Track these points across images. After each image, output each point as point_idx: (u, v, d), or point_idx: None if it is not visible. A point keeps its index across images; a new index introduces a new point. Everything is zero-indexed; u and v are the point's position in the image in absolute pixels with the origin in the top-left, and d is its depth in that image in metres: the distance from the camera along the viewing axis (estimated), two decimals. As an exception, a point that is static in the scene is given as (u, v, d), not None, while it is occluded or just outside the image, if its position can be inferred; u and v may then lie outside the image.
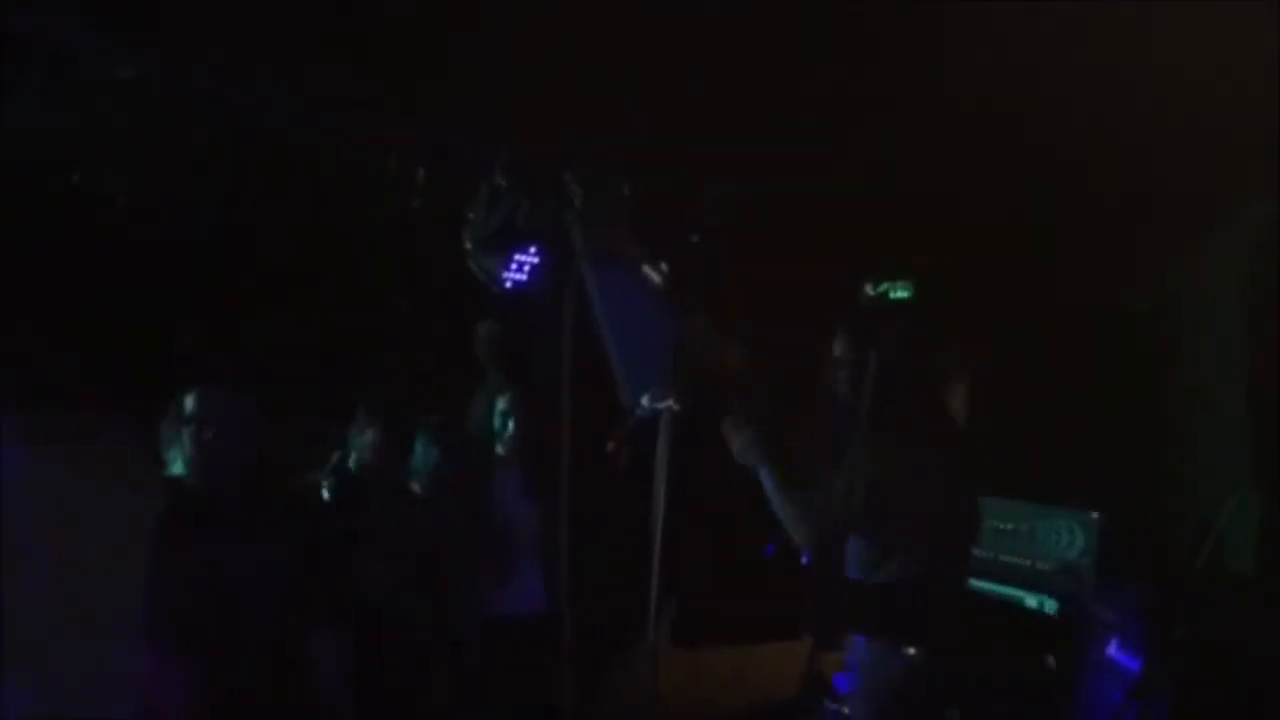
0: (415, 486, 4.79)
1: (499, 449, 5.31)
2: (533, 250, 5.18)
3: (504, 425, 5.32)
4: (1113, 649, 4.46)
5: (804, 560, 4.23)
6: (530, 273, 5.21)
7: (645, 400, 3.92)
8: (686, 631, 4.71)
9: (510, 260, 5.19)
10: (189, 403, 3.70)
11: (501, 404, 5.34)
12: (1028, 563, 5.04)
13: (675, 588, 4.28)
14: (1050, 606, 4.83)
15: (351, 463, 4.84)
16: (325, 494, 4.69)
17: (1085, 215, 4.81)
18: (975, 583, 5.09)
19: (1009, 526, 5.12)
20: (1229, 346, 4.91)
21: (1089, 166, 4.46)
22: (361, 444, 4.85)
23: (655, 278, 4.48)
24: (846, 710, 3.80)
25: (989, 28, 3.43)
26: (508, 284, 5.20)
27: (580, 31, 3.56)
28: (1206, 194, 4.62)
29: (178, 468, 3.73)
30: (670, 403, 3.81)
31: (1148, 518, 5.02)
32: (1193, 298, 5.11)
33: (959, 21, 3.42)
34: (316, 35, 3.47)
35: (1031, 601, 4.90)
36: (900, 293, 5.49)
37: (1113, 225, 4.86)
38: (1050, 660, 4.65)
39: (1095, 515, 4.82)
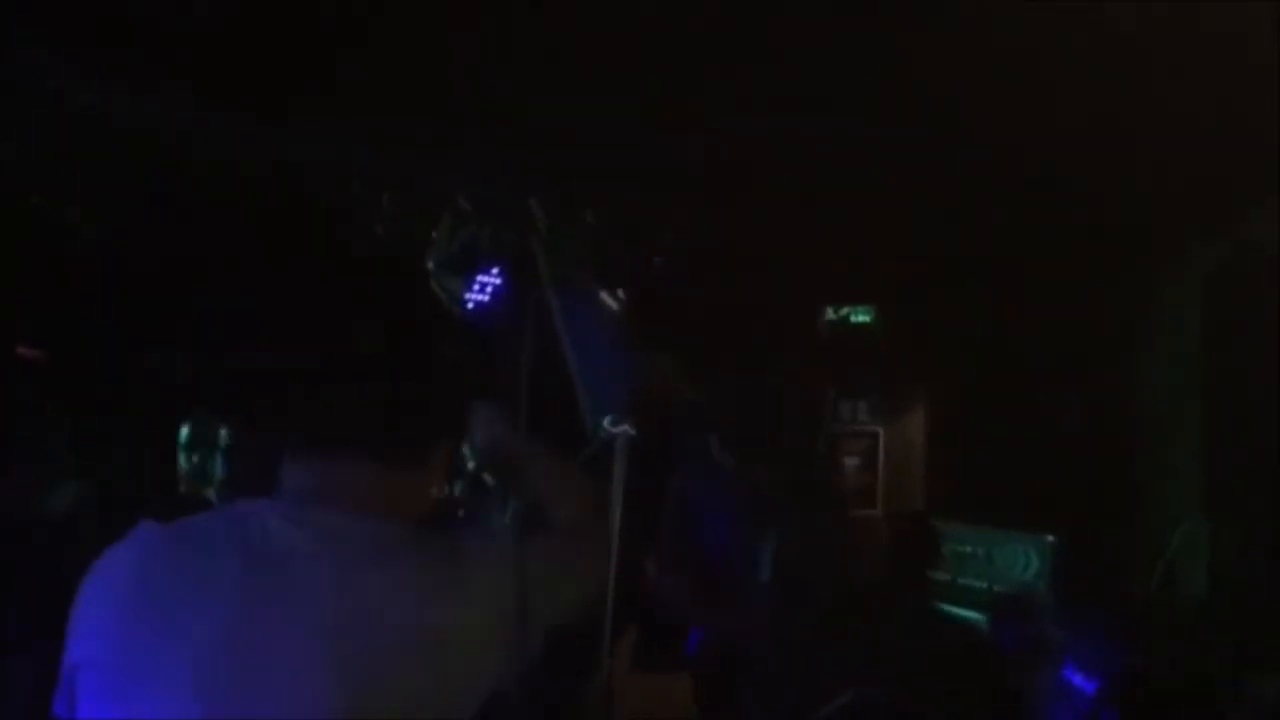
0: None
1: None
2: (495, 272, 5.19)
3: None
4: (1068, 671, 4.51)
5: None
6: (492, 294, 5.22)
7: (606, 423, 3.94)
8: (646, 654, 4.72)
9: (473, 281, 5.21)
10: (226, 431, 3.74)
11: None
12: (985, 585, 5.08)
13: (634, 612, 4.30)
14: (1006, 629, 4.87)
15: None
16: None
17: (1046, 246, 4.86)
18: (934, 605, 5.15)
19: (967, 550, 5.17)
20: (1185, 377, 4.98)
21: (1050, 198, 4.52)
22: None
23: (613, 305, 4.52)
24: None
25: (958, 57, 3.47)
26: (470, 305, 5.22)
27: (545, 58, 3.58)
28: (1164, 228, 4.67)
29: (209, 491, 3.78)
30: (627, 427, 3.82)
31: (1103, 543, 5.07)
32: (1149, 329, 5.17)
33: (929, 51, 3.46)
34: (281, 64, 3.48)
35: (988, 624, 4.93)
36: (861, 317, 5.56)
37: (1073, 256, 4.91)
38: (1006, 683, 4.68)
39: (1050, 539, 4.87)
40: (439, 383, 2.00)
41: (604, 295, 4.78)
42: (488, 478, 4.66)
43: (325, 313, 1.99)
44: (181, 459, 4.48)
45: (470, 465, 4.54)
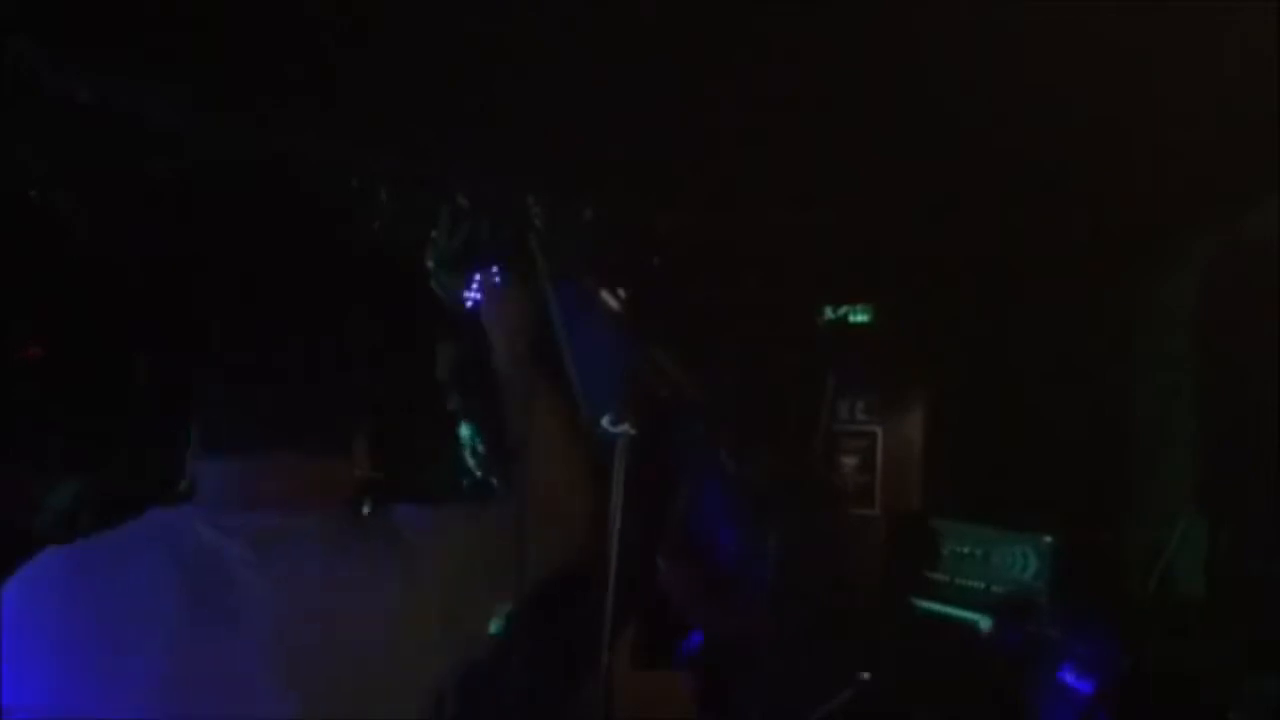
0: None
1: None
2: (494, 270, 5.18)
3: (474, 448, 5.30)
4: (1065, 672, 4.51)
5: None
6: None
7: (605, 421, 3.94)
8: (646, 654, 4.73)
9: (471, 280, 5.19)
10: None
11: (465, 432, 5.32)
12: (983, 586, 5.08)
13: (634, 610, 4.31)
14: (1005, 629, 4.88)
15: None
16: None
17: (1043, 245, 4.86)
18: (932, 605, 5.15)
19: (965, 550, 5.17)
20: (1182, 376, 4.98)
21: (1047, 197, 4.52)
22: None
23: (613, 304, 4.51)
24: None
25: (955, 55, 3.47)
26: (469, 304, 5.20)
27: (544, 53, 3.58)
28: (1160, 227, 4.68)
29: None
30: (627, 428, 3.83)
31: (1102, 542, 5.08)
32: (1146, 327, 5.17)
33: (925, 49, 3.46)
34: (277, 57, 3.47)
35: (986, 624, 4.94)
36: (860, 317, 5.55)
37: (1070, 256, 4.92)
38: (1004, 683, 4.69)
39: (1049, 539, 4.87)
40: (355, 366, 1.94)
41: (603, 293, 4.78)
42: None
43: (236, 307, 1.95)
44: None
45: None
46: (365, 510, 1.91)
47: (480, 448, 5.10)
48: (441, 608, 1.83)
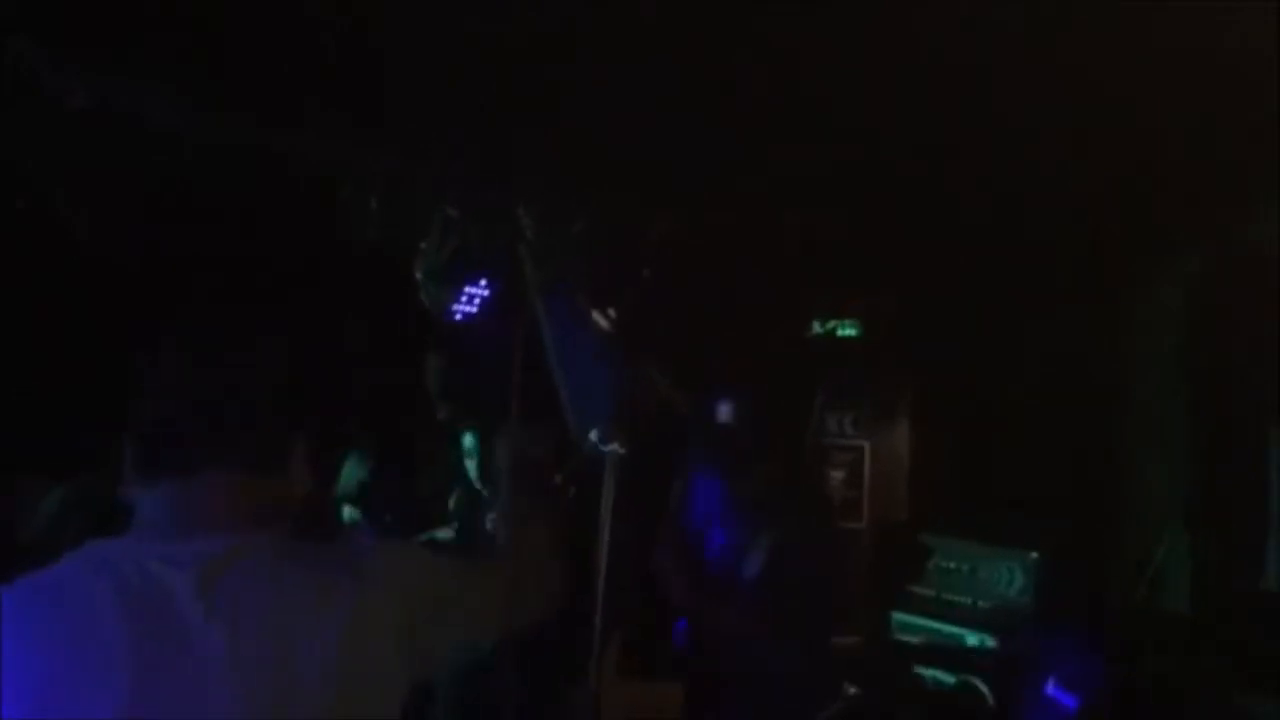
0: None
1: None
2: (482, 283, 5.18)
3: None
4: (1050, 687, 4.51)
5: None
6: (479, 305, 5.21)
7: (593, 436, 3.95)
8: (633, 661, 4.73)
9: (460, 292, 5.19)
10: None
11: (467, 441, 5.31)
12: (969, 601, 5.09)
13: (621, 624, 4.31)
14: (990, 644, 4.89)
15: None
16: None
17: (1031, 259, 4.89)
18: (919, 620, 5.16)
19: (952, 565, 5.18)
20: (1168, 390, 5.01)
21: (1033, 211, 4.54)
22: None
23: (602, 323, 4.53)
24: None
25: (941, 66, 3.49)
26: (457, 316, 5.20)
27: (537, 64, 3.58)
28: (1147, 239, 4.70)
29: None
30: (615, 446, 3.85)
31: (1086, 556, 5.09)
32: (1132, 344, 5.20)
33: (912, 61, 3.48)
34: (273, 65, 3.47)
35: (973, 639, 4.94)
36: (847, 330, 5.58)
37: (1058, 270, 4.94)
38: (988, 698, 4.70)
39: (1035, 555, 4.89)
40: (289, 381, 1.87)
41: (592, 308, 4.79)
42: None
43: (166, 322, 1.85)
44: None
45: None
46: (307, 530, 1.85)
47: (479, 454, 5.11)
48: (395, 635, 1.77)
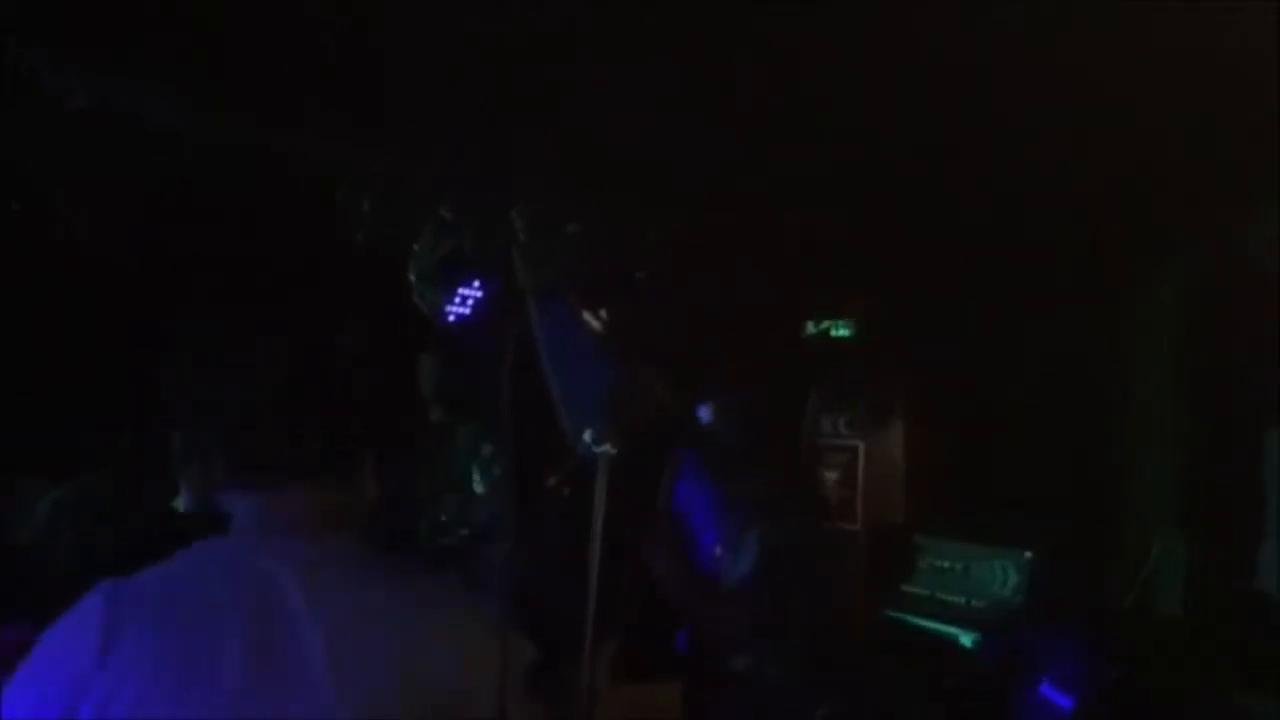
0: None
1: (475, 486, 5.28)
2: (475, 284, 5.18)
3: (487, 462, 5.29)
4: (1044, 686, 4.52)
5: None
6: (473, 306, 5.20)
7: (586, 437, 3.95)
8: (628, 665, 4.73)
9: (453, 294, 5.19)
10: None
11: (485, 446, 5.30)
12: (963, 600, 5.10)
13: (615, 626, 4.30)
14: (985, 644, 4.89)
15: None
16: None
17: (1027, 260, 4.89)
18: (912, 619, 5.17)
19: (945, 565, 5.20)
20: (1164, 393, 5.02)
21: (1033, 211, 4.55)
22: None
23: (594, 324, 4.53)
24: None
25: (936, 69, 3.49)
26: (450, 317, 5.19)
27: (536, 64, 3.58)
28: (1144, 242, 4.72)
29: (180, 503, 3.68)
30: (608, 447, 3.86)
31: (1081, 557, 5.10)
32: (1132, 344, 5.21)
33: (906, 64, 3.49)
34: (273, 65, 3.47)
35: (966, 639, 4.95)
36: (841, 331, 5.58)
37: (1054, 272, 4.95)
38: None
39: (1029, 555, 4.90)
40: (360, 399, 2.01)
41: (586, 310, 4.78)
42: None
43: (246, 338, 1.97)
44: None
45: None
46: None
47: (487, 452, 5.10)
48: (454, 660, 1.89)
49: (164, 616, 1.73)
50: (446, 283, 5.13)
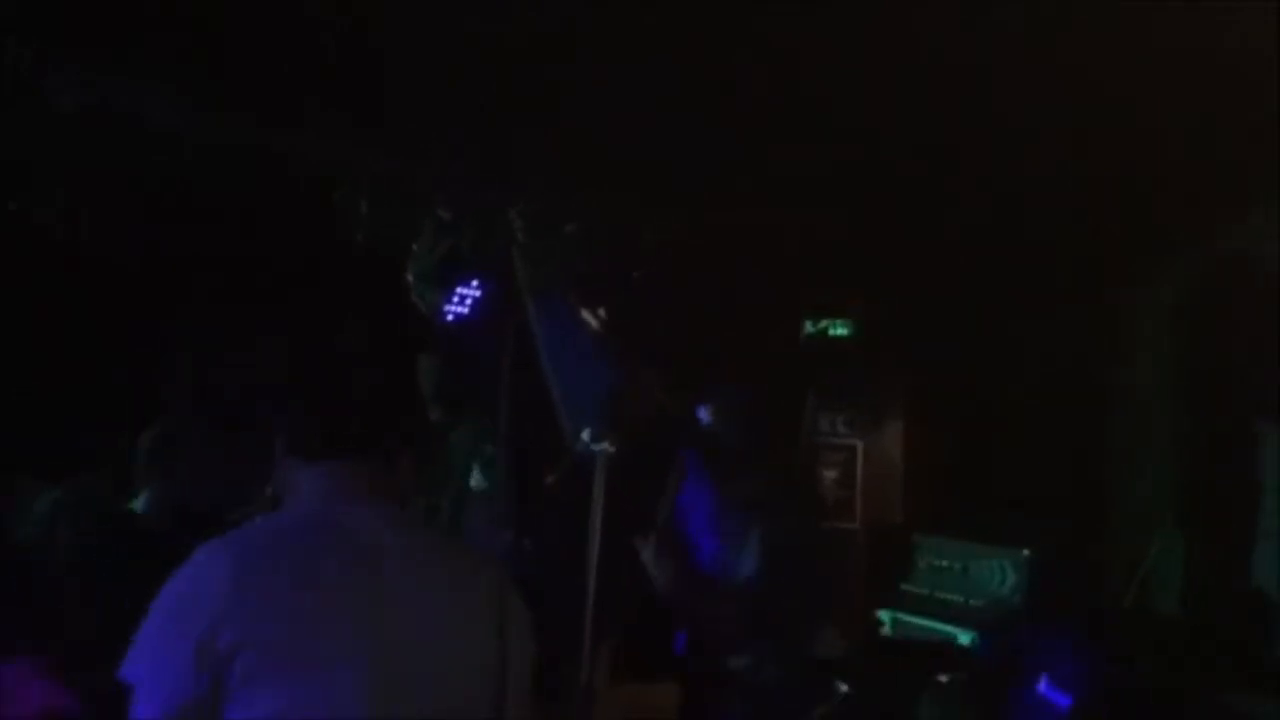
0: None
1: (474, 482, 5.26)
2: (474, 283, 5.18)
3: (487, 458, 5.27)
4: (1043, 685, 4.52)
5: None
6: (471, 306, 5.21)
7: (585, 436, 3.96)
8: (627, 666, 4.73)
9: (452, 293, 5.19)
10: (154, 439, 3.63)
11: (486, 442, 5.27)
12: (961, 599, 5.10)
13: (614, 625, 4.30)
14: (982, 642, 4.89)
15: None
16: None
17: (1024, 261, 4.89)
18: (912, 618, 5.17)
19: (944, 564, 5.19)
20: (1160, 392, 5.02)
21: (1033, 211, 4.55)
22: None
23: (593, 323, 4.54)
24: None
25: (936, 72, 3.49)
26: (449, 316, 5.19)
27: (536, 64, 3.58)
28: (1140, 242, 4.71)
29: (137, 503, 3.67)
30: (606, 445, 3.88)
31: (1078, 556, 5.11)
32: (1131, 345, 5.21)
33: (906, 65, 3.49)
34: (272, 65, 3.47)
35: (964, 638, 4.95)
36: (839, 330, 5.58)
37: (1051, 271, 4.95)
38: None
39: (1026, 553, 4.90)
40: (414, 385, 2.19)
41: (585, 309, 4.79)
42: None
43: (318, 322, 2.08)
44: None
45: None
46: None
47: (488, 452, 5.09)
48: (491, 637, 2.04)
49: (276, 559, 1.91)
50: (445, 282, 5.13)
